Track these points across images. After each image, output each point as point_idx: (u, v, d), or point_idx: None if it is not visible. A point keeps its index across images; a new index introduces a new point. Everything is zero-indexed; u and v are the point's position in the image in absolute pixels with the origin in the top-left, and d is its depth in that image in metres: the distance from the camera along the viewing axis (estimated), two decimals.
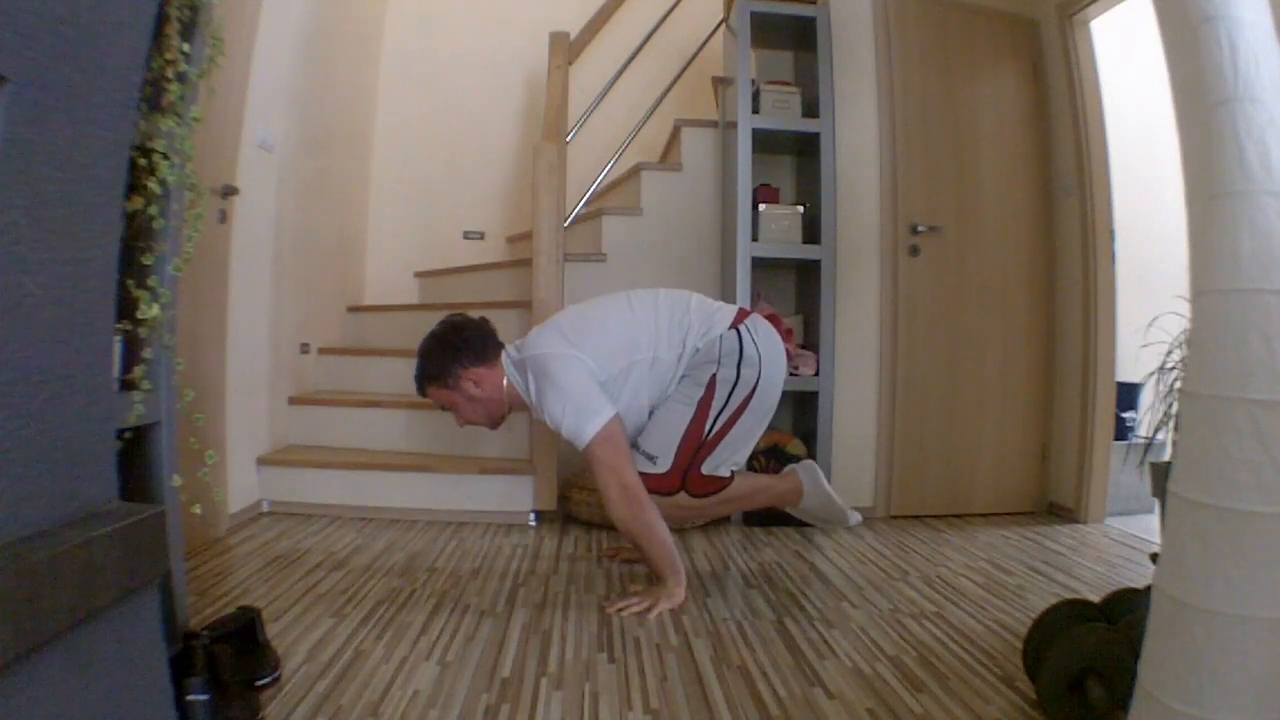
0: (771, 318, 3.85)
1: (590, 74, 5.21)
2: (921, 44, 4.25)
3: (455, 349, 2.86)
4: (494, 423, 3.00)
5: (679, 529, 3.20)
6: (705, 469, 2.88)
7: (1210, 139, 1.39)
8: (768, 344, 2.94)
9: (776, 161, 4.45)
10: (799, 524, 3.79)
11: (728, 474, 2.94)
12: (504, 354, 2.94)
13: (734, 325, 2.91)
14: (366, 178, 5.80)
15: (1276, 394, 1.30)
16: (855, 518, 3.16)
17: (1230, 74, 1.38)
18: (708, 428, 2.85)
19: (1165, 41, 1.65)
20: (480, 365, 2.86)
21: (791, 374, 3.94)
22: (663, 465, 2.84)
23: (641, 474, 2.79)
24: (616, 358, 2.82)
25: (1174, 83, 1.64)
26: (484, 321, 2.98)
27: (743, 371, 2.85)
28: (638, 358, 2.84)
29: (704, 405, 2.84)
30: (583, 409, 2.70)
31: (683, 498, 2.90)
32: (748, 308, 3.13)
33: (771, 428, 4.20)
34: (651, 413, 2.94)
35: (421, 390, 2.93)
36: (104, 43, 1.33)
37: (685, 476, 2.87)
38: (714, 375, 2.84)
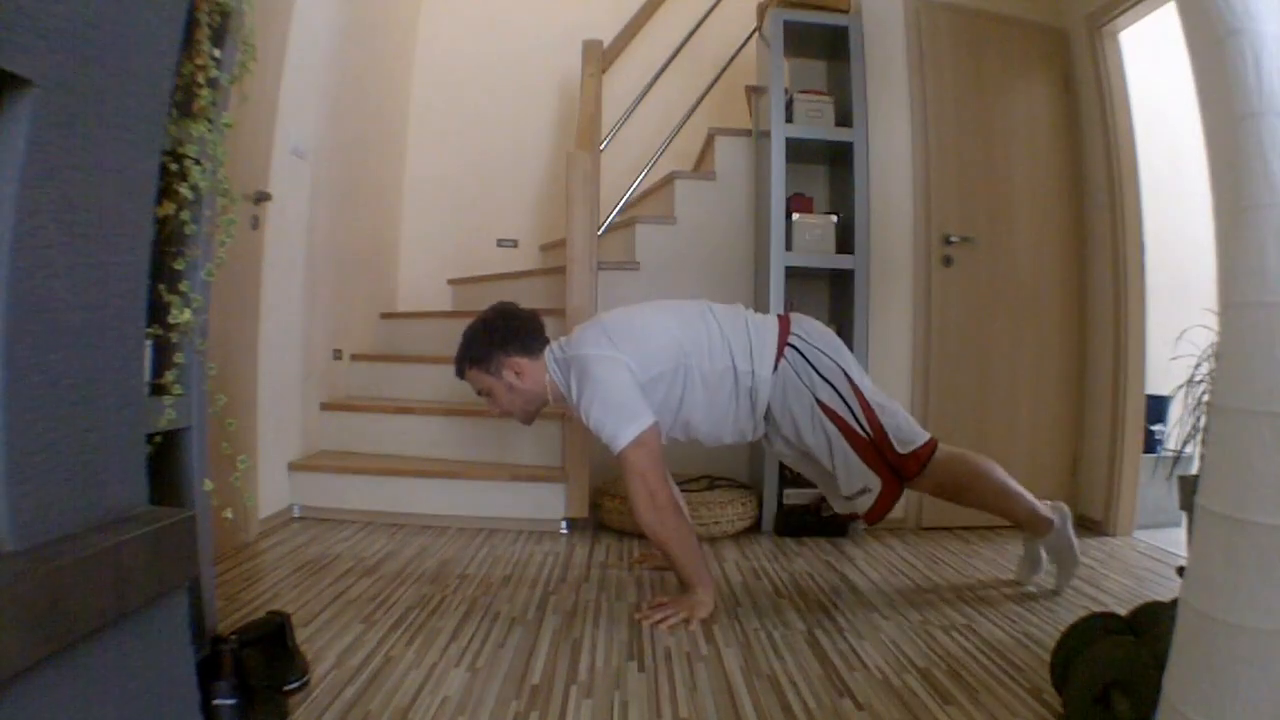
0: None
1: (623, 82, 5.21)
2: (953, 54, 4.21)
3: (503, 336, 2.85)
4: (528, 416, 2.99)
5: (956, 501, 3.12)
6: (901, 449, 2.82)
7: (1236, 152, 1.37)
8: (821, 335, 2.95)
9: (810, 171, 4.42)
10: (830, 534, 3.76)
11: (920, 439, 2.86)
12: (549, 350, 2.92)
13: (781, 341, 2.88)
14: (400, 184, 5.83)
15: None
16: (1077, 570, 3.07)
17: (1255, 87, 1.35)
18: (863, 432, 2.81)
19: (1191, 54, 1.63)
20: (525, 356, 2.85)
21: None
22: (876, 485, 2.81)
23: (874, 508, 2.81)
24: (658, 360, 2.78)
25: (1200, 95, 1.62)
26: (534, 314, 2.97)
27: (828, 376, 2.83)
28: (682, 363, 2.81)
29: (843, 426, 2.80)
30: (622, 413, 2.67)
31: (925, 482, 2.87)
32: (781, 313, 3.08)
33: None
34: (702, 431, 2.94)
35: (460, 372, 2.92)
36: (133, 48, 1.34)
37: (896, 470, 2.83)
38: (817, 402, 2.81)
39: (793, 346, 2.86)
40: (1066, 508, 3.04)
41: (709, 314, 2.92)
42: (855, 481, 2.82)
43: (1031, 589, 3.05)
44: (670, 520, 2.69)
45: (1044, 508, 2.99)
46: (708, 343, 2.85)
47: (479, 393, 2.95)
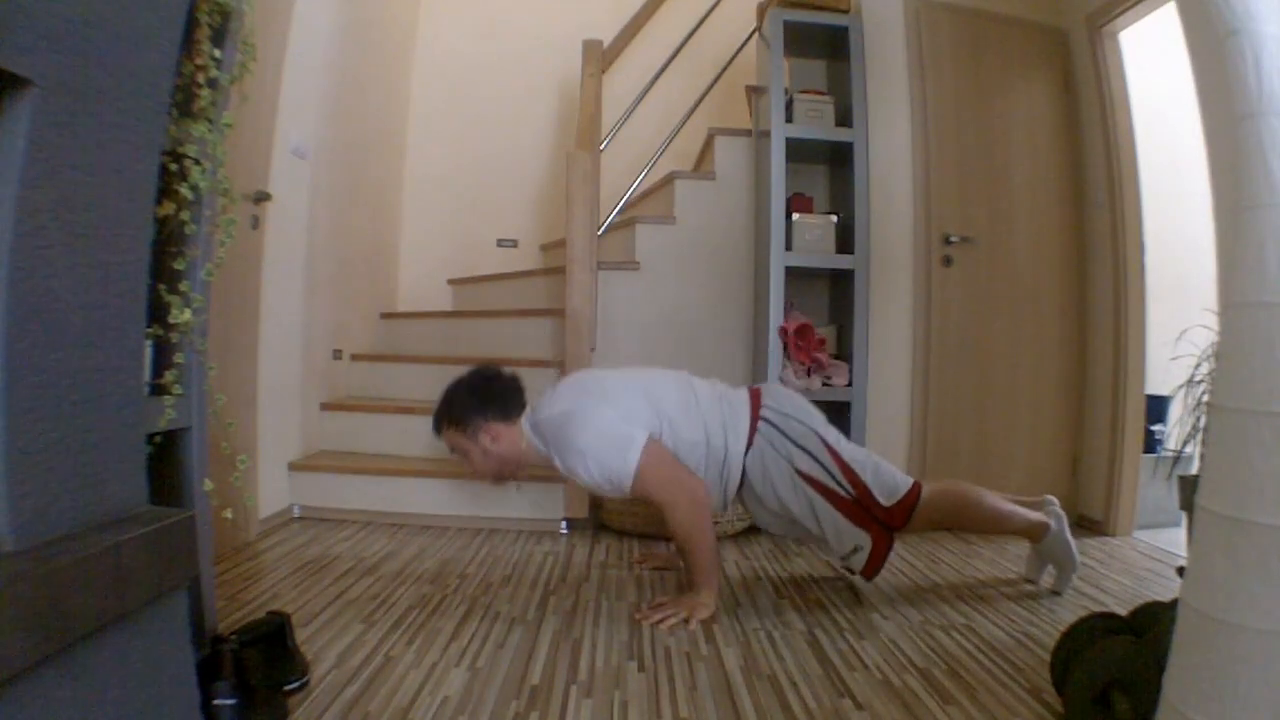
0: (804, 327, 3.85)
1: (623, 82, 5.21)
2: (953, 54, 4.22)
3: (483, 399, 2.83)
4: (499, 479, 2.96)
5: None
6: (886, 501, 2.81)
7: (1236, 152, 1.36)
8: (792, 403, 2.96)
9: (810, 170, 4.43)
10: None
11: (904, 486, 2.85)
12: (525, 414, 2.90)
13: (754, 416, 2.89)
14: (400, 184, 5.83)
15: None
16: (1076, 572, 3.07)
17: (1255, 87, 1.35)
18: (845, 492, 2.80)
19: (1191, 55, 1.63)
20: (502, 421, 2.83)
21: (824, 384, 3.92)
22: (866, 542, 2.80)
23: (869, 563, 2.81)
24: (637, 418, 2.77)
25: (1200, 96, 1.63)
26: (515, 378, 2.94)
27: (802, 443, 2.83)
28: (659, 427, 2.79)
29: (825, 490, 2.80)
30: (613, 447, 2.66)
31: (916, 525, 2.86)
32: (753, 387, 3.06)
33: None
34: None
35: (437, 430, 2.89)
36: (133, 48, 1.34)
37: (884, 524, 2.82)
38: (796, 471, 2.81)
39: (765, 420, 2.87)
40: (1061, 510, 3.06)
41: (688, 385, 2.92)
42: (846, 542, 2.81)
43: (1039, 587, 3.06)
44: (707, 520, 2.72)
45: (1037, 515, 3.01)
46: (683, 412, 2.84)
47: (452, 450, 2.92)
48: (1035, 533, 3.01)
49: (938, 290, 4.13)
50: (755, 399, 2.93)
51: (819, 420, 2.94)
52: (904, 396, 4.15)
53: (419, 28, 5.96)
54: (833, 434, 2.91)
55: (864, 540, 2.79)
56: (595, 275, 4.06)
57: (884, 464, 2.90)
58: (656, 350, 4.36)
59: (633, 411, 2.76)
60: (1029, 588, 3.06)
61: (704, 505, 2.72)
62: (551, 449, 2.77)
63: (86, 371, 1.29)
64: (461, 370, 4.33)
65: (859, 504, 2.79)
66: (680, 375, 2.97)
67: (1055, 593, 2.99)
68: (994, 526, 3.02)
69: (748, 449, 2.85)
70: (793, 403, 2.95)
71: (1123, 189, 3.99)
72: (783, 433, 2.84)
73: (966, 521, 3.01)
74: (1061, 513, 3.05)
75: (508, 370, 2.95)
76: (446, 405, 2.86)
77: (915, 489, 2.84)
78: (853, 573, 2.94)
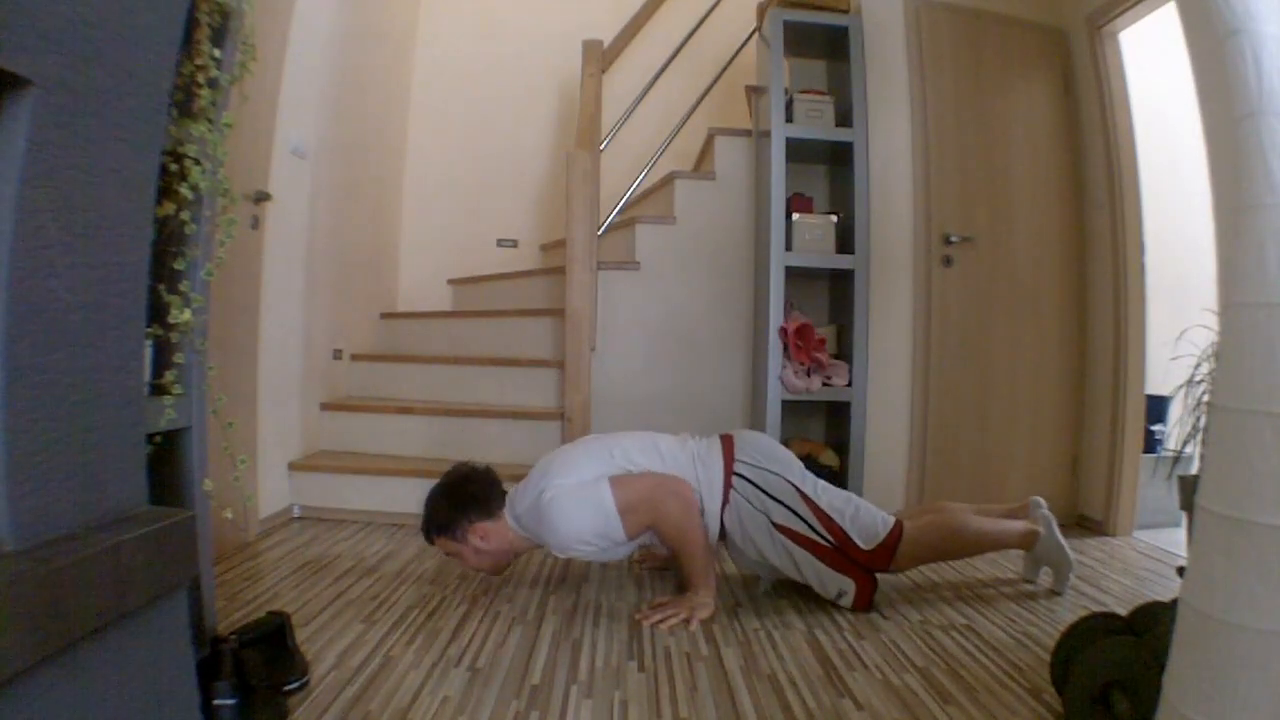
0: (804, 327, 3.85)
1: (623, 82, 5.21)
2: (953, 54, 4.21)
3: (462, 504, 2.79)
4: (498, 570, 2.93)
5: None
6: (866, 546, 2.79)
7: (1236, 152, 1.36)
8: (766, 453, 2.94)
9: (810, 170, 4.42)
10: None
11: (884, 528, 2.82)
12: (506, 504, 2.86)
13: (727, 470, 2.87)
14: (400, 184, 5.83)
15: None
16: (1072, 570, 3.06)
17: (1255, 87, 1.35)
18: (825, 541, 2.78)
19: (1191, 55, 1.63)
20: (486, 519, 2.79)
21: (825, 384, 3.92)
22: (850, 586, 2.78)
23: (856, 600, 2.79)
24: (597, 465, 2.79)
25: (1200, 95, 1.63)
26: (488, 472, 2.91)
27: (779, 496, 2.81)
28: (621, 463, 2.80)
29: (804, 541, 2.78)
30: (586, 515, 2.67)
31: (902, 562, 2.85)
32: (725, 434, 3.02)
33: (805, 438, 4.20)
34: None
35: (429, 540, 2.86)
36: (132, 47, 1.34)
37: (866, 568, 2.81)
38: (774, 525, 2.79)
39: (740, 475, 2.85)
40: (1048, 512, 3.06)
41: (654, 449, 2.89)
42: (830, 587, 2.80)
43: (1038, 587, 3.07)
44: (697, 519, 2.74)
45: (1023, 525, 3.02)
46: (646, 459, 2.84)
47: (447, 555, 2.88)
48: (1027, 542, 3.02)
49: (938, 290, 4.12)
50: (728, 451, 2.91)
51: (795, 469, 2.91)
52: (904, 396, 4.15)
53: (419, 28, 5.96)
54: (810, 483, 2.89)
55: (847, 585, 2.78)
56: (595, 275, 4.06)
57: (864, 507, 2.88)
58: (656, 350, 4.36)
59: (590, 468, 2.77)
60: (1029, 588, 3.06)
61: (690, 504, 2.72)
62: (540, 536, 2.76)
63: (86, 371, 1.29)
64: (462, 369, 4.35)
65: (839, 551, 2.78)
66: (643, 435, 2.95)
67: (1055, 593, 3.00)
68: (984, 548, 3.03)
69: (724, 505, 2.84)
70: (769, 454, 2.93)
71: (1123, 189, 3.99)
72: (758, 487, 2.83)
73: (956, 550, 3.00)
74: (1049, 515, 3.05)
75: (480, 465, 2.92)
76: (430, 517, 2.82)
77: (897, 529, 2.82)
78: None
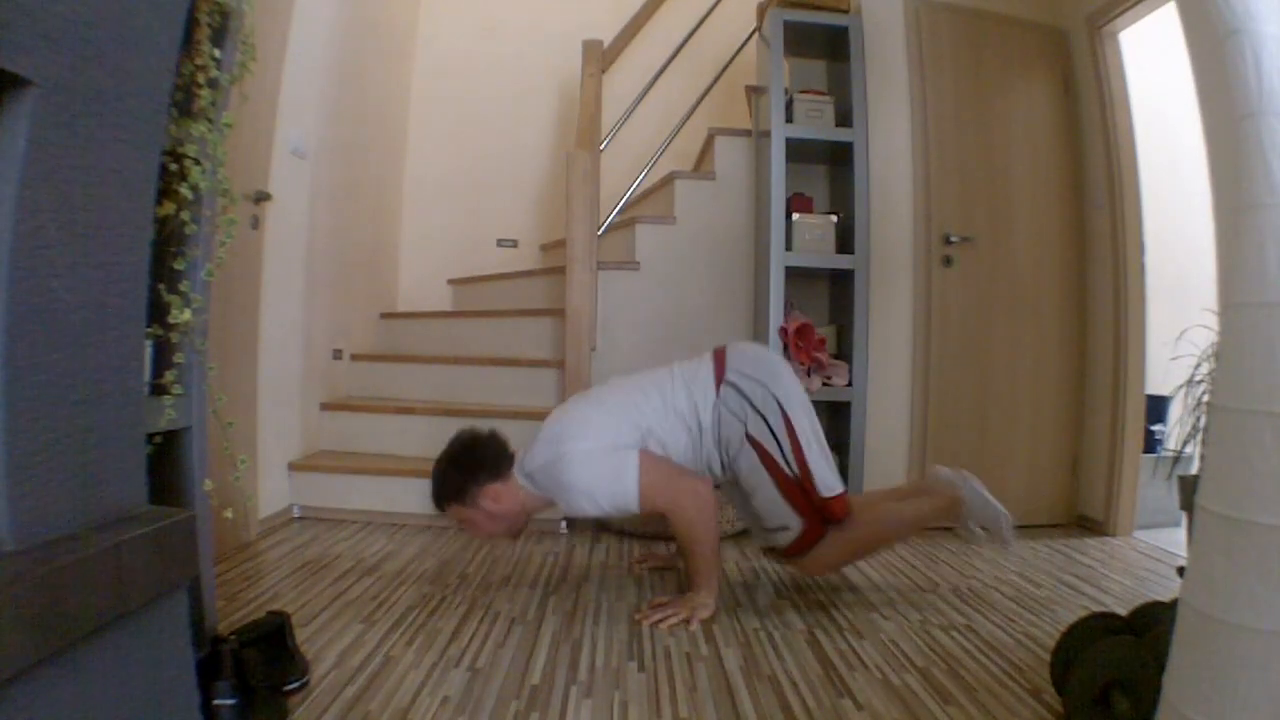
0: (804, 327, 3.84)
1: (623, 82, 5.21)
2: (953, 54, 4.21)
3: (470, 468, 2.80)
4: (514, 534, 2.94)
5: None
6: (824, 492, 2.77)
7: (1236, 152, 1.36)
8: (755, 363, 2.90)
9: (810, 170, 4.42)
10: None
11: (840, 489, 2.81)
12: (516, 465, 2.86)
13: (718, 380, 2.85)
14: (400, 184, 5.83)
15: None
16: (1008, 521, 3.01)
17: (1255, 87, 1.35)
18: (788, 470, 2.76)
19: (1191, 54, 1.63)
20: (496, 480, 2.79)
21: (825, 384, 3.92)
22: (796, 524, 2.77)
23: (795, 543, 2.78)
24: (624, 436, 2.76)
25: (1200, 95, 1.62)
26: (494, 435, 2.91)
27: (761, 408, 2.79)
28: (641, 433, 2.79)
29: (769, 461, 2.76)
30: (608, 480, 2.66)
31: (844, 531, 2.82)
32: (719, 347, 3.01)
33: None
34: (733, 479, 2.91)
35: (440, 508, 2.86)
36: (132, 48, 1.34)
37: (820, 514, 2.78)
38: (747, 434, 2.78)
39: (728, 382, 2.83)
40: (959, 474, 3.06)
41: (653, 386, 2.89)
42: (774, 518, 2.79)
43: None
44: (713, 519, 2.73)
45: (945, 496, 3.02)
46: (661, 416, 2.82)
47: (460, 524, 2.90)
48: (956, 510, 3.00)
49: (938, 290, 4.13)
50: (719, 364, 2.90)
51: (787, 388, 2.85)
52: (904, 396, 4.15)
53: (419, 27, 5.96)
54: (797, 403, 2.84)
55: (794, 522, 2.76)
56: (595, 275, 4.06)
57: (831, 463, 2.85)
58: (656, 350, 4.35)
59: (614, 435, 2.76)
60: (1029, 588, 3.06)
61: (708, 504, 2.71)
62: (551, 494, 2.75)
63: (86, 371, 1.29)
64: (462, 369, 4.35)
65: (798, 486, 2.75)
66: (643, 381, 2.94)
67: (1004, 545, 3.00)
68: (909, 530, 3.07)
69: (712, 417, 2.84)
70: (758, 364, 2.89)
71: (1123, 189, 4.00)
72: (743, 395, 2.80)
73: (884, 540, 3.05)
74: (961, 474, 3.04)
75: (484, 429, 2.92)
76: (439, 484, 2.82)
77: (845, 493, 2.82)
78: (773, 551, 2.91)
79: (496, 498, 2.76)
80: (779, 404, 2.80)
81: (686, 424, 2.82)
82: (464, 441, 2.87)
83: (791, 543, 2.78)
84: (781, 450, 2.76)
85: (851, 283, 3.96)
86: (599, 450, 2.70)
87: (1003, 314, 4.20)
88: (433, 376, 4.60)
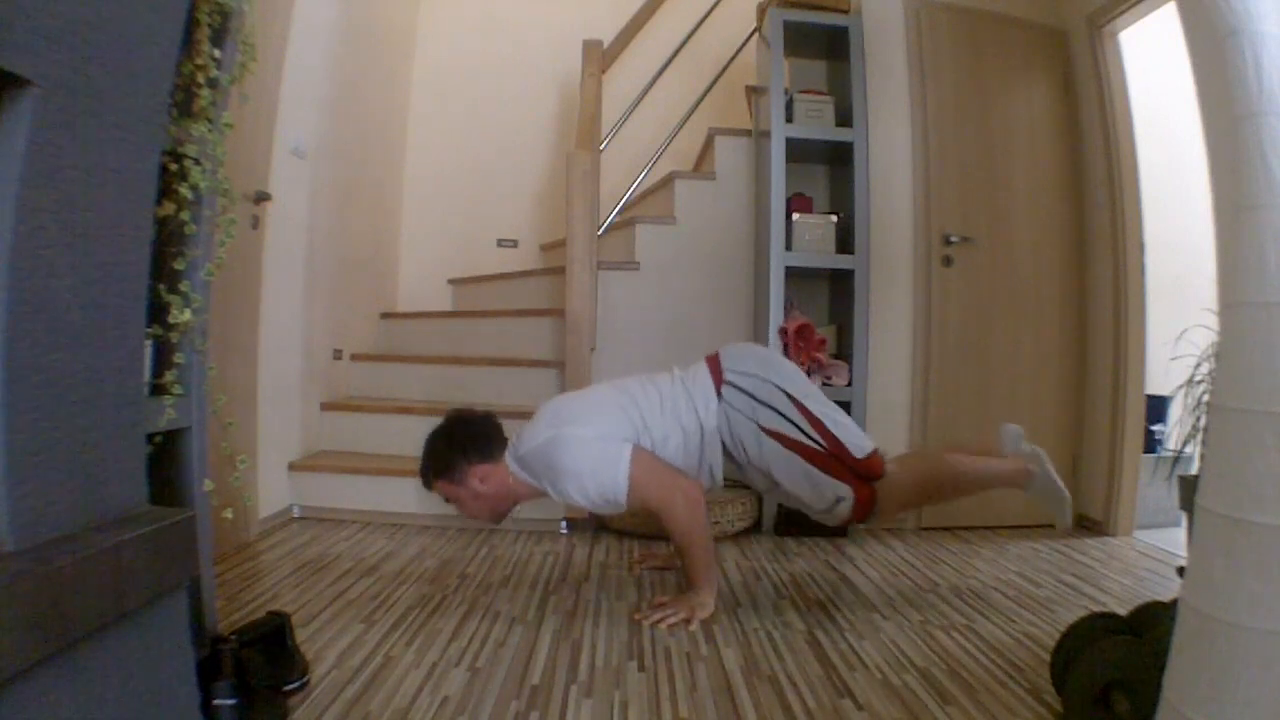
0: (804, 327, 3.85)
1: (623, 83, 5.21)
2: (953, 54, 4.21)
3: (462, 446, 2.81)
4: (497, 517, 2.94)
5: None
6: (857, 454, 2.77)
7: (1236, 152, 1.36)
8: (748, 359, 2.92)
9: (810, 170, 4.42)
10: (830, 534, 3.75)
11: (871, 447, 2.81)
12: (508, 449, 2.87)
13: (717, 383, 2.86)
14: (399, 184, 5.83)
15: None
16: (1070, 506, 3.03)
17: (1255, 87, 1.35)
18: (817, 445, 2.76)
19: (1191, 55, 1.63)
20: (486, 461, 2.81)
21: (825, 384, 3.92)
22: (848, 491, 2.76)
23: (856, 509, 2.77)
24: (619, 428, 2.77)
25: (1200, 95, 1.63)
26: (489, 416, 2.93)
27: (767, 400, 2.80)
28: (640, 435, 2.79)
29: (794, 444, 2.76)
30: (600, 469, 2.66)
31: (887, 486, 2.81)
32: (710, 355, 3.00)
33: None
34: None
35: (428, 484, 2.87)
36: (133, 48, 1.34)
37: (860, 474, 2.78)
38: (762, 428, 2.78)
39: (728, 383, 2.84)
40: (1035, 448, 3.04)
41: (652, 387, 2.90)
42: (826, 494, 2.78)
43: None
44: (703, 519, 2.73)
45: (1014, 464, 3.00)
46: (658, 414, 2.82)
47: (446, 500, 2.90)
48: (1019, 479, 2.99)
49: (938, 290, 4.12)
50: (714, 367, 2.90)
51: (787, 373, 2.88)
52: (904, 396, 4.15)
53: (419, 27, 5.96)
54: (801, 386, 2.86)
55: (844, 490, 2.76)
56: (595, 275, 4.07)
57: (849, 421, 2.86)
58: (656, 350, 4.36)
59: (611, 426, 2.76)
60: (1029, 588, 3.06)
61: (698, 505, 2.72)
62: (542, 480, 2.75)
63: (86, 371, 1.29)
64: (462, 369, 4.35)
65: (833, 457, 2.76)
66: (642, 379, 2.95)
67: (1056, 528, 3.03)
68: (974, 483, 2.99)
69: (719, 422, 2.83)
70: (754, 359, 2.91)
71: (1123, 189, 3.99)
72: (745, 392, 2.81)
73: (948, 485, 2.99)
74: (1036, 449, 3.03)
75: (480, 411, 2.94)
76: (429, 458, 2.84)
77: (877, 452, 2.82)
78: (836, 527, 2.90)
79: (484, 478, 2.77)
80: (782, 390, 2.81)
81: (682, 425, 2.81)
82: (458, 419, 2.89)
83: (853, 510, 2.78)
84: (802, 430, 2.77)
85: (851, 283, 3.96)
86: (594, 438, 2.70)
87: (1003, 314, 4.20)
88: (433, 376, 4.60)
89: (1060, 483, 2.99)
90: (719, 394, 2.84)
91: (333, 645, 2.34)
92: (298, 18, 3.73)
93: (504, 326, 4.72)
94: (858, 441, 2.80)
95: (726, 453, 2.88)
